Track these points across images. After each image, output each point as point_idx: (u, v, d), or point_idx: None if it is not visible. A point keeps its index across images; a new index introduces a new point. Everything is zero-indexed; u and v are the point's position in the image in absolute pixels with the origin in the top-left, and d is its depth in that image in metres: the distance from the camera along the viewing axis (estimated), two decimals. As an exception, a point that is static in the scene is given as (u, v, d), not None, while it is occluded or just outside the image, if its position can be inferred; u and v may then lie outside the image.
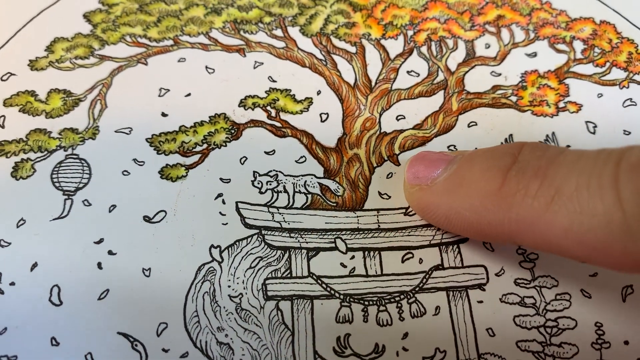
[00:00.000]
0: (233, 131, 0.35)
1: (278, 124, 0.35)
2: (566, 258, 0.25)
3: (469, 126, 0.36)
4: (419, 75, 0.38)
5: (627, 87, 0.37)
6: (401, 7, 0.41)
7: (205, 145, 0.34)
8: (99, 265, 0.30)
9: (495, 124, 0.36)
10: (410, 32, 0.40)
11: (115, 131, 0.35)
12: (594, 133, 0.35)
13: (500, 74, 0.38)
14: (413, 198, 0.31)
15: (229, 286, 0.30)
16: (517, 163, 0.26)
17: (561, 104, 0.37)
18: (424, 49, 0.39)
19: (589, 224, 0.23)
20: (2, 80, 0.37)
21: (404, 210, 0.32)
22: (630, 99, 0.37)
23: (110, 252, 0.31)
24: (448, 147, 0.35)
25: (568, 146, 0.35)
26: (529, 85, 0.37)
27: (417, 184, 0.30)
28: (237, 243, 0.31)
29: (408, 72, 0.38)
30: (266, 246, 0.31)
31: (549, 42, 0.39)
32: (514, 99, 0.37)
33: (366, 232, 0.32)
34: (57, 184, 0.33)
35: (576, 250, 0.24)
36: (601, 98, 0.37)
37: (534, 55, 0.39)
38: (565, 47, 0.39)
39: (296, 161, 0.34)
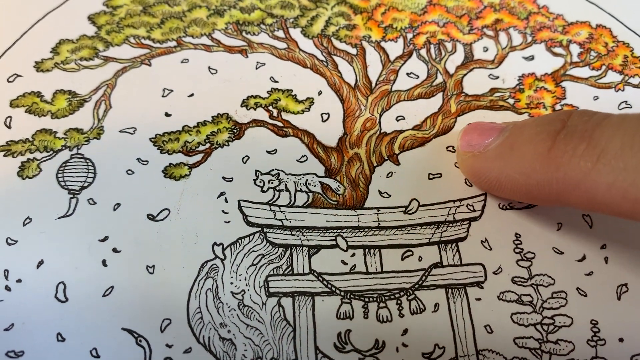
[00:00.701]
0: (235, 131, 0.35)
1: (280, 124, 0.36)
2: (612, 215, 0.26)
3: (467, 127, 0.36)
4: (418, 77, 0.38)
5: (623, 90, 0.38)
6: (401, 10, 0.41)
7: (208, 145, 0.35)
8: (104, 263, 0.31)
9: (493, 125, 0.36)
10: (409, 35, 0.40)
11: (120, 131, 0.35)
12: (590, 135, 0.36)
13: (498, 77, 0.38)
14: (466, 164, 0.32)
15: (232, 283, 0.31)
16: (565, 127, 0.27)
17: (558, 107, 0.37)
18: (423, 52, 0.39)
19: (632, 178, 0.24)
20: (9, 81, 0.37)
21: (403, 209, 0.33)
22: (626, 101, 0.37)
23: (114, 250, 0.31)
24: (447, 148, 0.35)
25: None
26: (526, 88, 0.38)
27: (470, 151, 0.32)
28: (240, 241, 0.32)
29: (408, 74, 0.38)
30: (268, 244, 0.32)
31: (546, 45, 0.40)
32: (511, 101, 0.37)
33: (366, 230, 0.32)
34: (62, 183, 0.33)
35: (620, 205, 0.25)
36: (597, 100, 0.37)
37: (531, 58, 0.39)
38: (562, 50, 0.40)
39: (297, 160, 0.35)
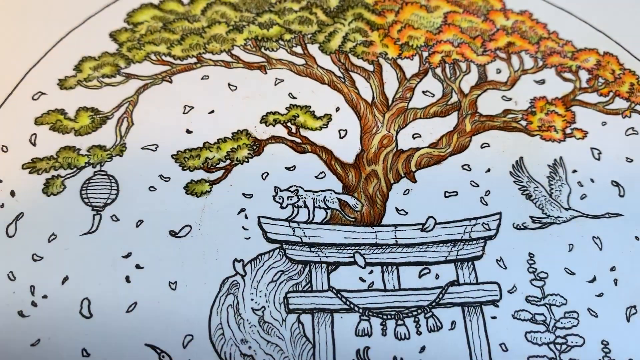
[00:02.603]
0: (255, 147, 0.36)
1: (298, 140, 0.36)
2: None
3: (481, 147, 0.37)
4: (434, 95, 0.39)
5: (629, 117, 0.39)
6: (417, 28, 0.42)
7: (228, 161, 0.35)
8: (127, 279, 0.31)
9: (506, 146, 0.37)
10: (425, 54, 0.41)
11: (142, 148, 0.35)
12: (598, 159, 0.37)
13: (510, 99, 0.39)
14: None
15: (252, 299, 0.31)
16: None
17: (568, 130, 0.38)
18: (438, 71, 0.40)
19: None
20: (33, 99, 0.37)
21: (420, 226, 0.33)
22: (632, 127, 0.38)
23: (137, 266, 0.31)
24: (462, 166, 0.36)
25: (575, 171, 0.36)
26: (537, 110, 0.39)
27: None
28: (260, 257, 0.32)
29: (423, 92, 0.39)
30: (287, 260, 0.32)
31: (556, 70, 0.41)
32: (523, 123, 0.38)
33: (384, 247, 0.33)
34: (86, 200, 0.33)
35: None
36: (605, 126, 0.38)
37: (542, 82, 0.40)
38: (572, 75, 0.40)
39: (316, 177, 0.35)
